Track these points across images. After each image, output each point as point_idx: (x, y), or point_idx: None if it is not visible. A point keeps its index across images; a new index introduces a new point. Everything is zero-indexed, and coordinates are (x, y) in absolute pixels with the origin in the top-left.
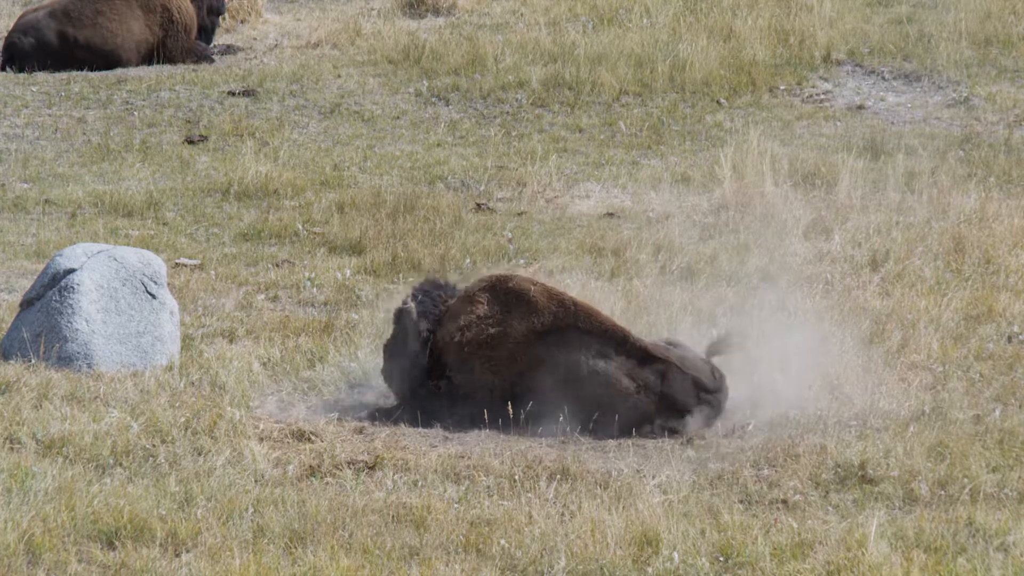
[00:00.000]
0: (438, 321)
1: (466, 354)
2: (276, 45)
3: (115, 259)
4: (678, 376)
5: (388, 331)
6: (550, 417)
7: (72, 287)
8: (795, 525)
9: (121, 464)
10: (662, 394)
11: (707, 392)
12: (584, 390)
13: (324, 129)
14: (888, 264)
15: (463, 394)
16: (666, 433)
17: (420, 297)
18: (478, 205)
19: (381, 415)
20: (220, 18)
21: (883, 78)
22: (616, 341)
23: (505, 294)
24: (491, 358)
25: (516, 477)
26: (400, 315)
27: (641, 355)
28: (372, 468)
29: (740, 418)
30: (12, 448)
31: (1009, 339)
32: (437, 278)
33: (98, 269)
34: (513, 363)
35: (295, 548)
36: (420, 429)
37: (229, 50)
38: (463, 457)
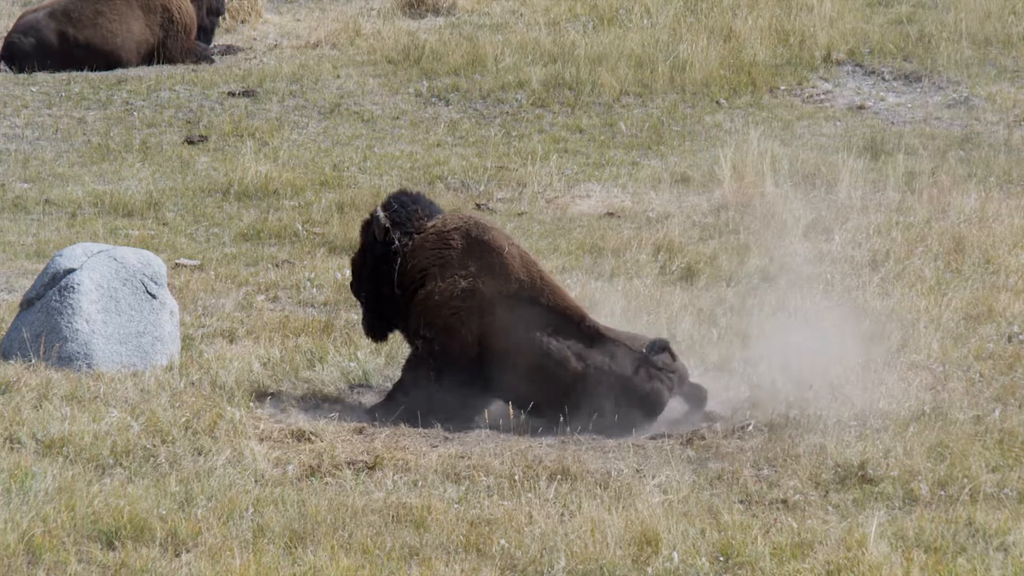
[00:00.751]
0: (410, 237)
1: (436, 302)
2: (276, 45)
3: (115, 259)
4: (626, 355)
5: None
6: (504, 387)
7: (72, 287)
8: (795, 525)
9: (121, 464)
10: (611, 373)
11: (656, 367)
12: (537, 365)
13: (324, 129)
14: (888, 264)
15: (431, 347)
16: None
17: (394, 207)
18: (478, 205)
19: (380, 413)
20: (220, 19)
21: (883, 78)
22: (573, 321)
23: (480, 246)
24: (459, 309)
25: (516, 477)
26: (369, 224)
27: (593, 335)
28: (372, 468)
29: (740, 418)
30: (12, 448)
31: (1009, 339)
32: (411, 190)
33: (98, 269)
34: (479, 319)
35: (295, 548)
36: (420, 429)
37: (229, 50)
38: (463, 457)
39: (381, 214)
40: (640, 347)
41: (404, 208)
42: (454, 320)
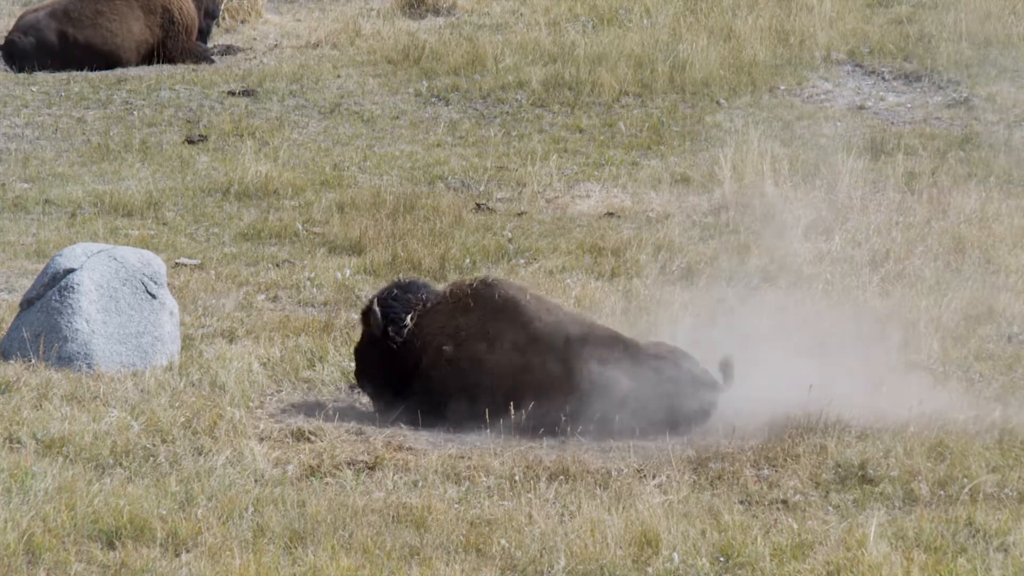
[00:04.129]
0: (410, 326)
1: (455, 365)
2: (276, 45)
3: (115, 259)
4: (672, 369)
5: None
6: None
7: (72, 287)
8: (795, 525)
9: (121, 464)
10: (658, 388)
11: (701, 384)
12: (581, 390)
13: (324, 129)
14: (888, 264)
15: (444, 401)
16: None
17: (388, 300)
18: (478, 205)
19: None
20: (215, 21)
21: (883, 78)
22: (608, 343)
23: (492, 301)
24: (484, 364)
25: (516, 477)
26: (367, 316)
27: (634, 352)
28: (372, 468)
29: (740, 418)
30: (12, 448)
31: (1009, 339)
32: (403, 279)
33: (98, 269)
34: (504, 367)
35: (295, 548)
36: (420, 429)
37: (229, 50)
38: (463, 457)
39: (377, 312)
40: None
41: (399, 298)
42: (479, 381)
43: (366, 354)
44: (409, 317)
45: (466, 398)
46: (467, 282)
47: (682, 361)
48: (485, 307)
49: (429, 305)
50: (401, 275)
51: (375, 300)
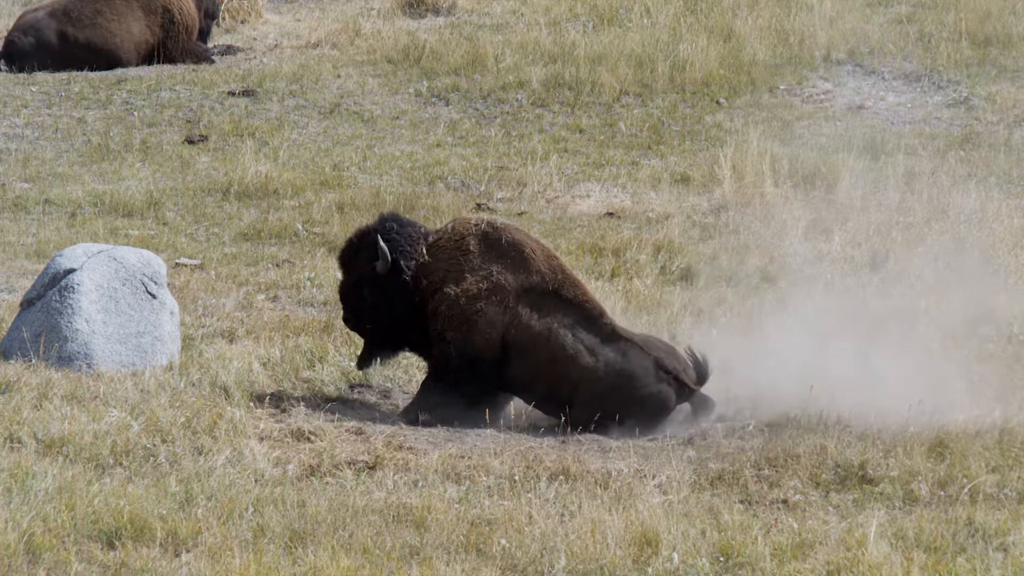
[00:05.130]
0: (416, 260)
1: (463, 306)
2: (276, 45)
3: (115, 259)
4: (639, 355)
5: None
6: (517, 380)
7: (72, 287)
8: (795, 525)
9: (121, 464)
10: (621, 371)
11: (666, 371)
12: (551, 358)
13: (324, 129)
14: (888, 264)
15: (455, 351)
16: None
17: (394, 228)
18: (478, 205)
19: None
20: (215, 21)
21: (883, 78)
22: (591, 317)
23: (499, 244)
24: (487, 312)
25: (516, 477)
26: (356, 254)
27: (608, 333)
28: (372, 468)
29: (740, 418)
30: (12, 448)
31: (1009, 339)
32: (392, 213)
33: (98, 269)
34: (503, 317)
35: (295, 548)
36: (420, 429)
37: (229, 50)
38: (463, 457)
39: (384, 247)
40: (649, 344)
41: (402, 235)
42: (478, 318)
43: (362, 296)
44: (417, 249)
45: (465, 343)
46: (472, 221)
47: (655, 350)
48: (490, 250)
49: (432, 240)
50: (385, 210)
51: (376, 234)
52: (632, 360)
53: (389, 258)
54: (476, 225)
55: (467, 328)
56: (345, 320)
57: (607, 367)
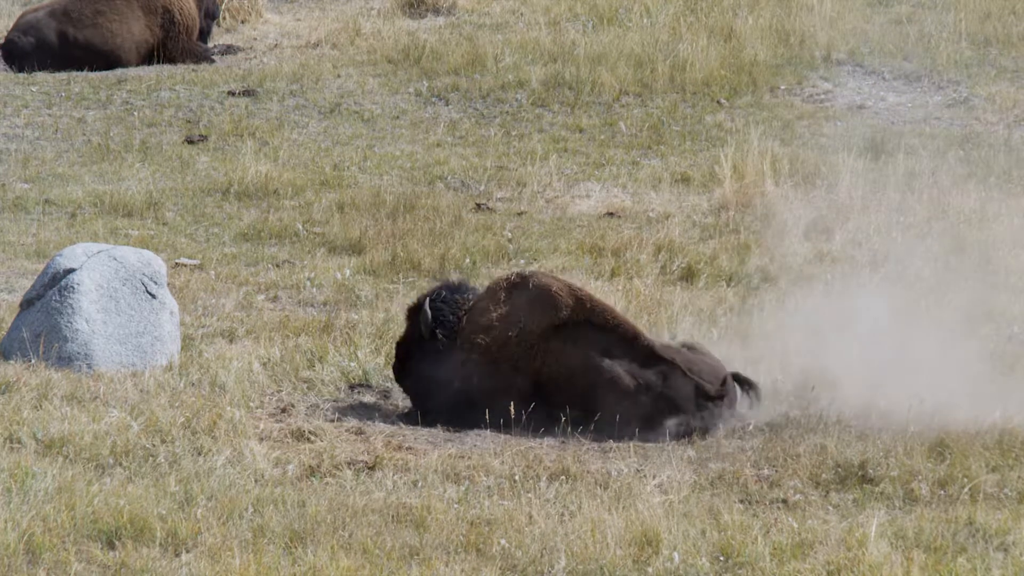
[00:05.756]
0: (454, 328)
1: (493, 354)
2: (276, 45)
3: (115, 259)
4: (680, 379)
5: (401, 329)
6: (556, 416)
7: (72, 287)
8: (795, 525)
9: (121, 464)
10: (661, 395)
11: (708, 399)
12: (590, 386)
13: (324, 129)
14: (888, 264)
15: (487, 396)
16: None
17: (438, 302)
18: (478, 205)
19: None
20: (215, 21)
21: (883, 78)
22: (626, 339)
23: (526, 290)
24: (514, 356)
25: (516, 477)
26: (415, 315)
27: (647, 355)
28: (372, 468)
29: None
30: (12, 448)
31: (1009, 339)
32: (453, 280)
33: (98, 269)
34: (533, 360)
35: (295, 548)
36: (420, 429)
37: (229, 50)
38: (463, 457)
39: (428, 313)
40: (692, 366)
41: (449, 299)
42: (507, 367)
43: (409, 351)
44: (457, 318)
45: (494, 387)
46: (504, 276)
47: (695, 367)
48: (519, 297)
49: (471, 303)
50: (452, 276)
51: (426, 300)
52: (673, 384)
53: (430, 323)
54: (507, 279)
55: (496, 372)
56: (393, 368)
57: (647, 390)
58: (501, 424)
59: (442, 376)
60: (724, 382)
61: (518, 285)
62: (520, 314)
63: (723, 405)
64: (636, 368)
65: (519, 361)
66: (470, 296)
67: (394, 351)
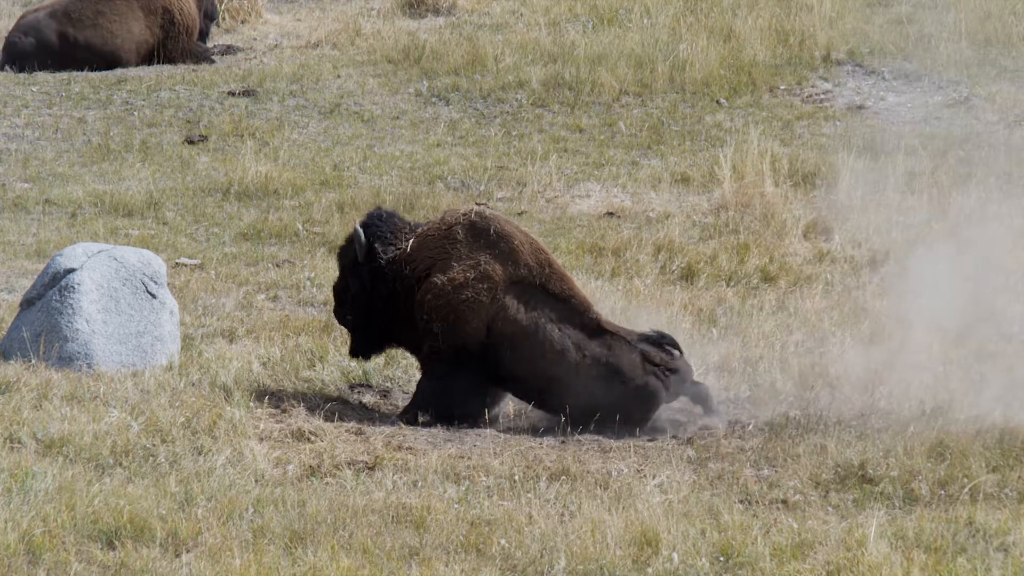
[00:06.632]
0: (396, 248)
1: (450, 294)
2: (276, 45)
3: (115, 259)
4: (625, 347)
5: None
6: (507, 376)
7: (72, 287)
8: (795, 525)
9: (121, 464)
10: (608, 364)
11: (654, 364)
12: (539, 354)
13: (324, 129)
14: (888, 264)
15: (443, 341)
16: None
17: (378, 218)
18: (478, 205)
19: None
20: (215, 22)
21: (883, 78)
22: (577, 311)
23: (487, 234)
24: (474, 300)
25: (516, 477)
26: (347, 248)
27: (593, 327)
28: (372, 468)
29: (741, 418)
30: (12, 448)
31: (1009, 339)
32: (383, 208)
33: (98, 269)
34: (490, 307)
35: (295, 548)
36: (420, 429)
37: (229, 50)
38: (463, 457)
39: (360, 232)
40: (638, 339)
41: (383, 223)
42: (464, 307)
43: (346, 284)
44: (400, 239)
45: (453, 331)
46: (460, 211)
47: (641, 344)
48: (477, 241)
49: (420, 231)
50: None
51: (356, 223)
52: (617, 353)
53: (363, 241)
54: (464, 215)
55: (454, 316)
56: (334, 312)
57: (594, 361)
58: (500, 422)
59: (385, 292)
60: (671, 348)
61: (477, 226)
62: (479, 258)
63: (673, 372)
64: (584, 339)
65: (477, 304)
66: (408, 221)
67: (333, 295)
